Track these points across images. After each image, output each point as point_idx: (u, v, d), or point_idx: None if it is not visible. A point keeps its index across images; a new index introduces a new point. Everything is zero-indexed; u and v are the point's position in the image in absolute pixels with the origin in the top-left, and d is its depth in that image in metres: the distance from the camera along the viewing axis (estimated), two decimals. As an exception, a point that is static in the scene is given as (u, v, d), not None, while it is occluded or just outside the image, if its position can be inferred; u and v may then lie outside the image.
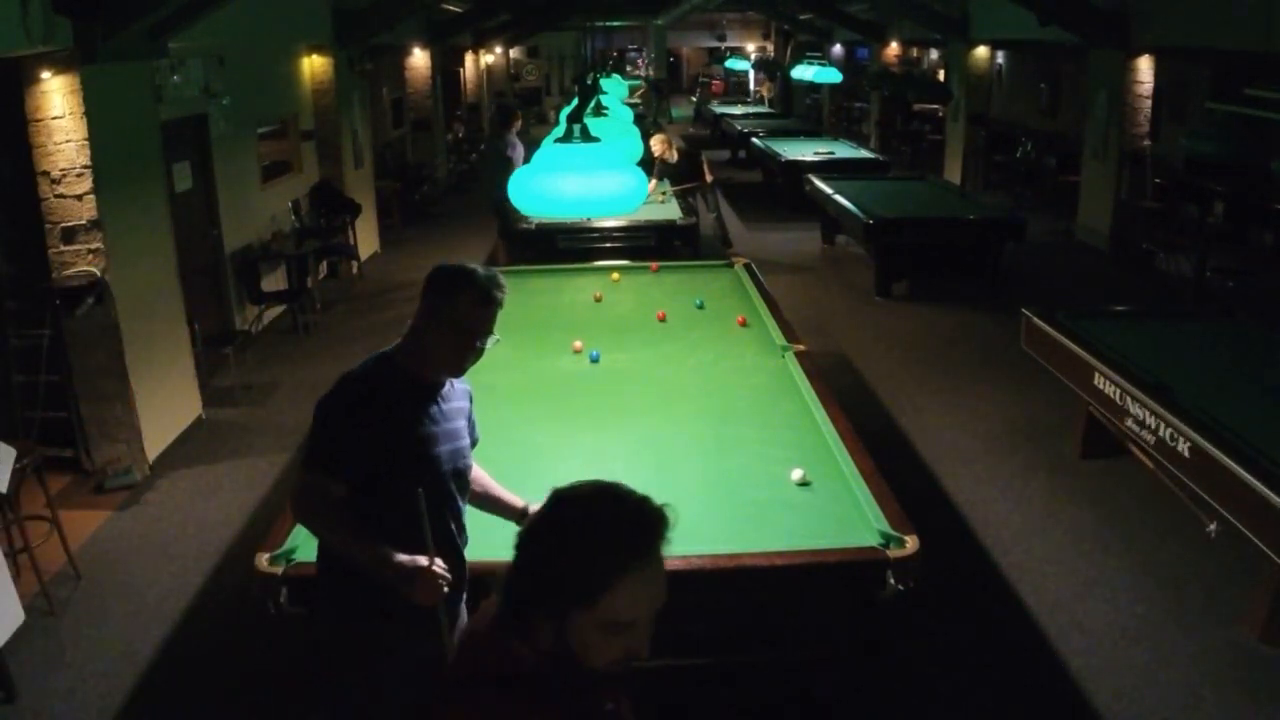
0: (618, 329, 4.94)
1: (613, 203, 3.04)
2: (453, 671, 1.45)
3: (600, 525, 1.37)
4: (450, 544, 2.45)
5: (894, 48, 17.36)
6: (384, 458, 2.30)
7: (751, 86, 28.71)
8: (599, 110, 4.76)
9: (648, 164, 8.58)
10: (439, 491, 2.41)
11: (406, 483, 2.23)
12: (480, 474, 2.71)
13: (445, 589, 2.20)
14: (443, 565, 2.21)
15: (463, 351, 2.37)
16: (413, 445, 2.35)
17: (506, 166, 8.58)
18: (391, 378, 2.37)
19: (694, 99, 28.70)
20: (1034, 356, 5.35)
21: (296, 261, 8.06)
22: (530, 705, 1.33)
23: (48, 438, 5.09)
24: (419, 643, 2.26)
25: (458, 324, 2.32)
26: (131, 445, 5.27)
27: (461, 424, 2.53)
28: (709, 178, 9.31)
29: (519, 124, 9.07)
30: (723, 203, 11.24)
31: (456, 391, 2.53)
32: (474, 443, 2.66)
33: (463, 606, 2.61)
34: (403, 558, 2.19)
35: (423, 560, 2.19)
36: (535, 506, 2.59)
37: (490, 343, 2.40)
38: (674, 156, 9.43)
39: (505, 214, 7.90)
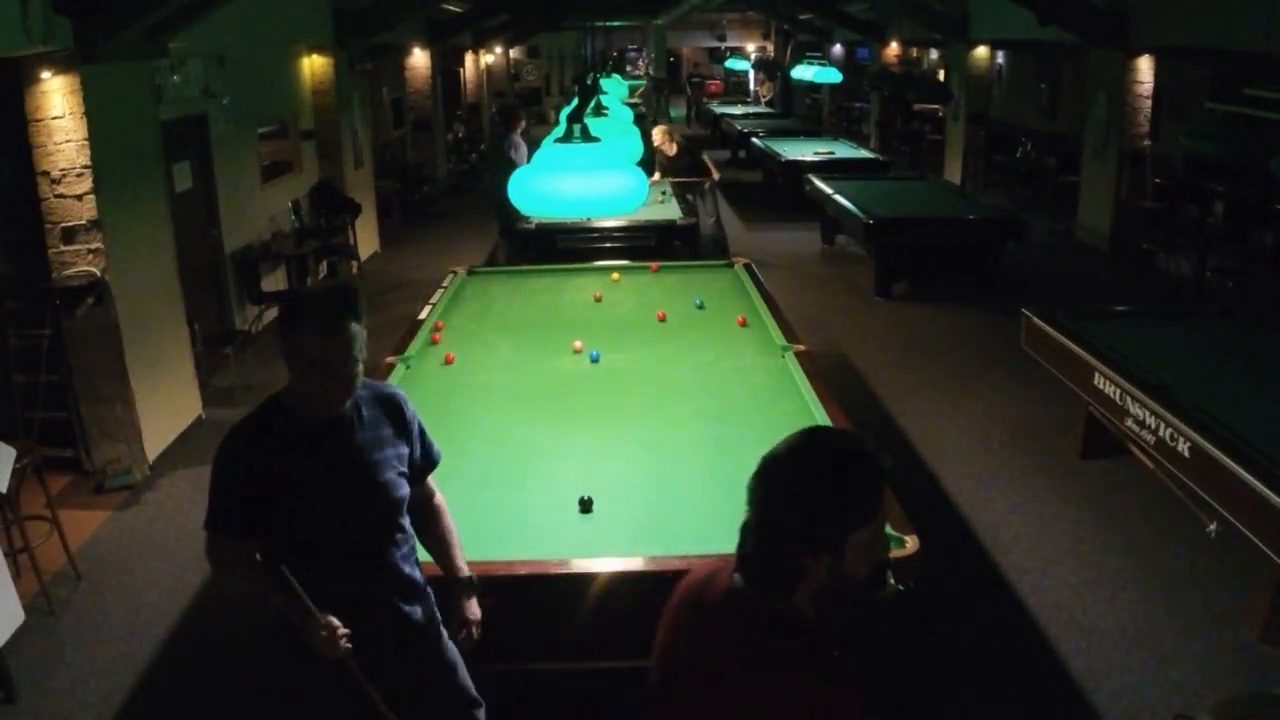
0: (618, 329, 4.94)
1: (613, 203, 3.03)
2: (703, 639, 1.56)
3: (853, 454, 1.51)
4: (374, 594, 2.29)
5: (894, 48, 17.37)
6: (279, 510, 2.15)
7: (751, 86, 28.70)
8: (599, 110, 4.76)
9: (648, 161, 8.69)
10: (355, 534, 2.23)
11: (305, 534, 2.15)
12: (440, 512, 2.50)
13: (344, 643, 2.11)
14: (333, 625, 2.11)
15: (324, 386, 2.13)
16: (308, 494, 2.16)
17: (509, 167, 8.59)
18: (280, 421, 2.18)
19: (688, 95, 28.68)
20: (1034, 356, 5.35)
21: (296, 261, 8.06)
22: (801, 650, 1.50)
23: (48, 438, 5.09)
24: (344, 688, 2.19)
25: (307, 357, 2.09)
26: (131, 445, 5.28)
27: (383, 455, 2.27)
28: (715, 175, 9.28)
29: (522, 124, 9.07)
30: (722, 204, 11.23)
31: (371, 420, 2.27)
32: (430, 464, 2.45)
33: (444, 643, 2.49)
34: (312, 613, 2.11)
35: (318, 619, 2.10)
36: (470, 602, 2.43)
37: (357, 370, 2.16)
38: (673, 150, 9.43)
39: (506, 214, 7.90)
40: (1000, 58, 15.47)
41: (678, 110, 27.62)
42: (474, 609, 2.49)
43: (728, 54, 28.78)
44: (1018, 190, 13.05)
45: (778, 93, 22.92)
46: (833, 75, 15.15)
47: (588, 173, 2.99)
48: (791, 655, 1.49)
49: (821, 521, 1.49)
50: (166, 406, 5.67)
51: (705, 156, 9.37)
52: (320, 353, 2.08)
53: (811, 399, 3.85)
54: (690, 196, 8.93)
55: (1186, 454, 3.84)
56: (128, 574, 4.40)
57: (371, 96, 11.23)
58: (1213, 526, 3.89)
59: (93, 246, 5.02)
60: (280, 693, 3.53)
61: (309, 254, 8.25)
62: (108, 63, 4.92)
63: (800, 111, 22.69)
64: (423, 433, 2.43)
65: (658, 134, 9.44)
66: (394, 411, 2.34)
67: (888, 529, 2.78)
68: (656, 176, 8.89)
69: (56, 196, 4.95)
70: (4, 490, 3.67)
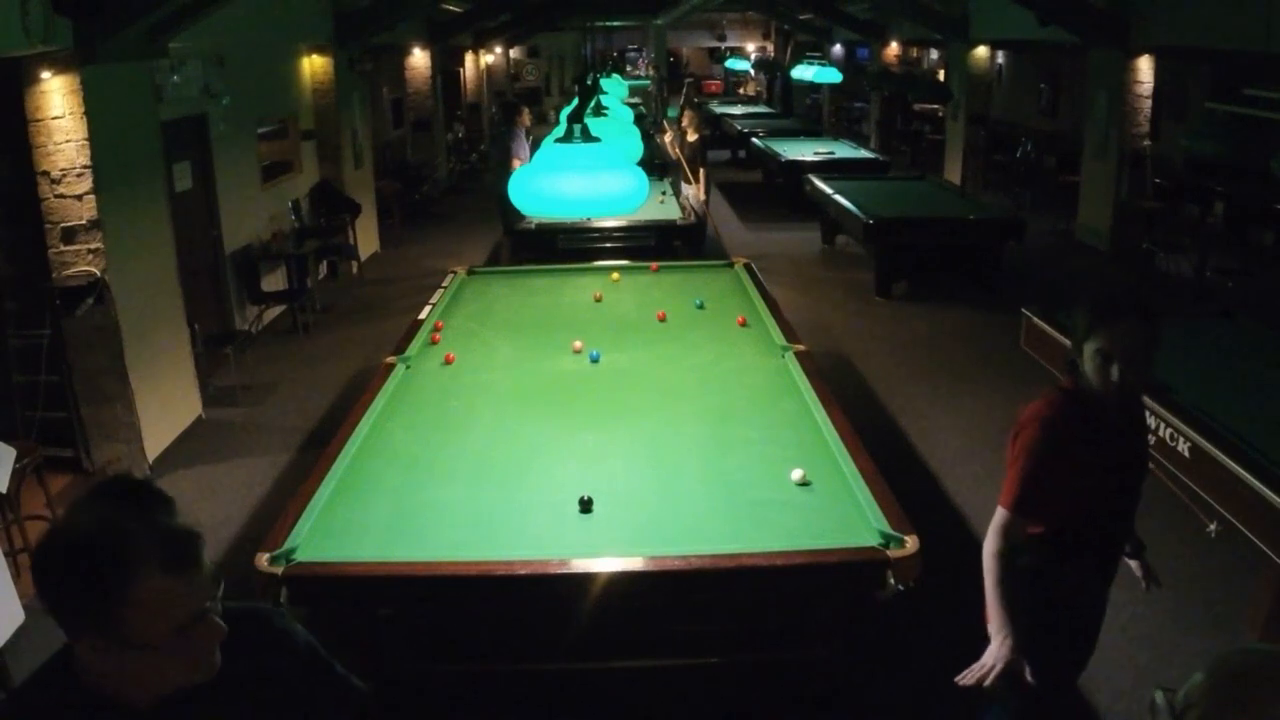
0: (618, 329, 4.93)
1: (613, 203, 3.04)
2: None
3: (1084, 307, 2.40)
4: None
5: (894, 48, 17.36)
6: None
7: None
8: (599, 110, 4.76)
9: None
10: None
11: None
12: None
13: None
14: None
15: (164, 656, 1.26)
16: None
17: (509, 162, 8.62)
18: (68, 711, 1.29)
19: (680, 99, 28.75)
20: (1034, 356, 5.35)
21: (296, 261, 8.07)
22: (1065, 401, 2.43)
23: (48, 438, 5.09)
24: None
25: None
26: (131, 445, 5.28)
27: None
28: (702, 184, 9.25)
29: (523, 118, 9.07)
30: (721, 203, 11.22)
31: (240, 689, 1.37)
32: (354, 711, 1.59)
33: None
34: None
35: None
36: None
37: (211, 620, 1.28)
38: (693, 136, 9.48)
39: (508, 211, 7.91)
40: (1000, 58, 15.48)
41: (674, 109, 27.65)
42: None
43: (728, 54, 28.79)
44: (1018, 190, 13.06)
45: (776, 90, 22.91)
46: (833, 75, 15.14)
47: (588, 173, 2.99)
48: (1048, 399, 2.45)
49: (1070, 331, 2.47)
50: (166, 406, 5.67)
51: (703, 170, 9.29)
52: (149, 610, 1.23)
53: (811, 399, 3.85)
54: (681, 181, 9.03)
55: (1186, 454, 3.84)
56: (128, 574, 4.39)
57: (371, 96, 11.23)
58: (1213, 526, 3.88)
59: (93, 246, 5.02)
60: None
61: (309, 254, 8.25)
62: (108, 63, 4.92)
63: (800, 111, 22.69)
64: (329, 668, 1.57)
65: (686, 116, 9.89)
66: (278, 654, 1.47)
67: (904, 538, 2.78)
68: (692, 131, 9.17)
69: (56, 196, 4.95)
70: (4, 490, 3.66)
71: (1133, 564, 2.82)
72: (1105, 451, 2.43)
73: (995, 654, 2.26)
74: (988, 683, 2.22)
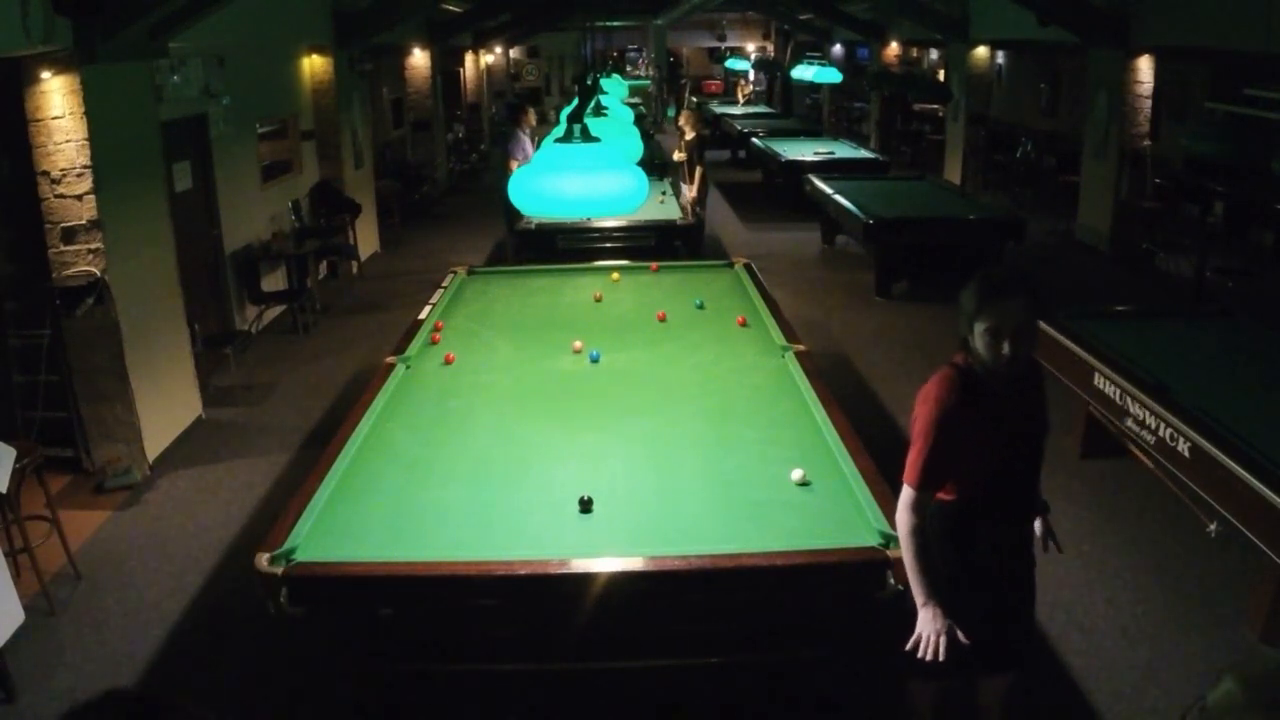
0: (618, 329, 4.94)
1: (613, 203, 3.04)
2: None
3: (972, 288, 2.54)
4: None
5: (894, 48, 17.37)
6: None
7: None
8: (599, 110, 4.77)
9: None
10: None
11: None
12: None
13: None
14: None
15: None
16: None
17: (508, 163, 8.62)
18: None
19: (676, 95, 28.72)
20: (1032, 356, 5.34)
21: (296, 261, 8.07)
22: (956, 378, 2.55)
23: (48, 438, 5.09)
24: None
25: None
26: (131, 445, 5.28)
27: None
28: (697, 183, 9.22)
29: (526, 118, 9.05)
30: (721, 204, 11.18)
31: None
32: None
33: None
34: None
35: None
36: None
37: None
38: (690, 135, 9.47)
39: (509, 210, 7.90)
40: (1000, 58, 15.47)
41: (672, 109, 27.66)
42: None
43: (728, 54, 28.78)
44: (1018, 190, 13.06)
45: (762, 88, 22.89)
46: (833, 75, 15.14)
47: (588, 173, 2.99)
48: (940, 378, 2.58)
49: (959, 312, 2.57)
50: (166, 406, 5.67)
51: (700, 169, 9.26)
52: None
53: (811, 399, 3.85)
54: (680, 180, 9.04)
55: (1186, 454, 3.84)
56: (128, 574, 4.40)
57: (371, 96, 11.23)
58: (1213, 526, 3.89)
59: (93, 246, 5.02)
60: (278, 693, 3.54)
61: (309, 254, 8.25)
62: (108, 63, 4.92)
63: (800, 111, 22.69)
64: None
65: (683, 117, 9.96)
66: None
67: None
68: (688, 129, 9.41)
69: (56, 196, 4.95)
70: (4, 490, 3.66)
71: (1036, 523, 2.89)
72: (999, 421, 2.55)
73: (931, 624, 2.45)
74: (934, 654, 2.41)
